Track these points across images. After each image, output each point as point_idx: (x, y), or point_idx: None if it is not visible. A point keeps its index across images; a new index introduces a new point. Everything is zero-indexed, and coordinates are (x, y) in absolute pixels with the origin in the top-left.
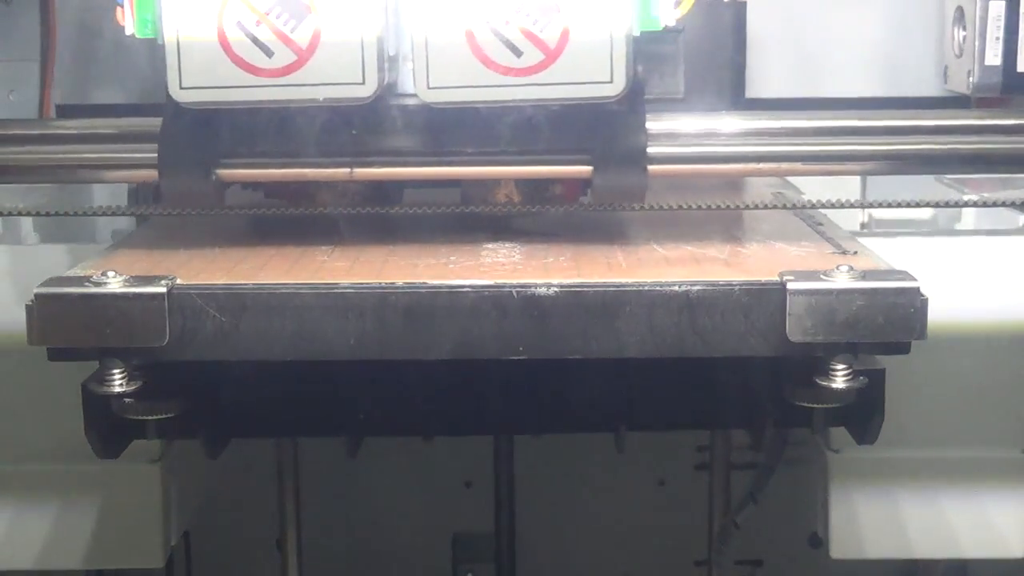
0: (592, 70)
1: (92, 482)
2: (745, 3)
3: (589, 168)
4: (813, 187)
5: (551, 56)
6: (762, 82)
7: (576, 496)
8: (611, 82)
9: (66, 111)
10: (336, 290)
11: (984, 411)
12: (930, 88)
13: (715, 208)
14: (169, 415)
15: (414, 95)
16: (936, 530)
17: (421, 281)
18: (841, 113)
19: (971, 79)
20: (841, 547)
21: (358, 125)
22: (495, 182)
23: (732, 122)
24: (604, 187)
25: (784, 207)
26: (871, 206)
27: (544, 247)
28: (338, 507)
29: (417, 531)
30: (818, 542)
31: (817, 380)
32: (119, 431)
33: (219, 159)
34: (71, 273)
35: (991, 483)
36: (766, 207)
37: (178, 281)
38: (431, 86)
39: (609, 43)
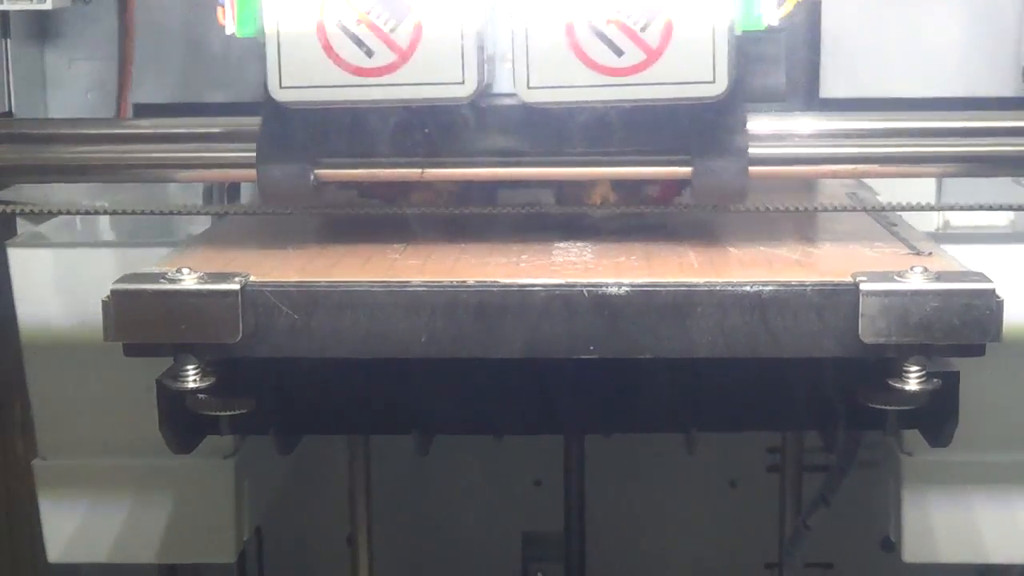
0: (694, 70)
1: (166, 477)
2: (820, 1)
3: (689, 169)
4: (887, 188)
5: (653, 56)
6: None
7: (646, 496)
8: (713, 82)
9: (143, 110)
10: (408, 288)
11: None
12: (1008, 88)
13: (792, 210)
14: (242, 411)
15: (510, 95)
16: (1011, 534)
17: (492, 280)
18: (918, 114)
19: None
20: (914, 551)
21: (457, 125)
22: (591, 183)
23: (813, 123)
24: (704, 187)
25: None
26: (947, 209)
27: (615, 246)
28: (409, 504)
29: (487, 529)
30: (890, 545)
31: (890, 382)
32: (193, 427)
33: (318, 158)
34: (146, 270)
35: None
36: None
37: (251, 278)
38: (531, 86)
39: (711, 43)
